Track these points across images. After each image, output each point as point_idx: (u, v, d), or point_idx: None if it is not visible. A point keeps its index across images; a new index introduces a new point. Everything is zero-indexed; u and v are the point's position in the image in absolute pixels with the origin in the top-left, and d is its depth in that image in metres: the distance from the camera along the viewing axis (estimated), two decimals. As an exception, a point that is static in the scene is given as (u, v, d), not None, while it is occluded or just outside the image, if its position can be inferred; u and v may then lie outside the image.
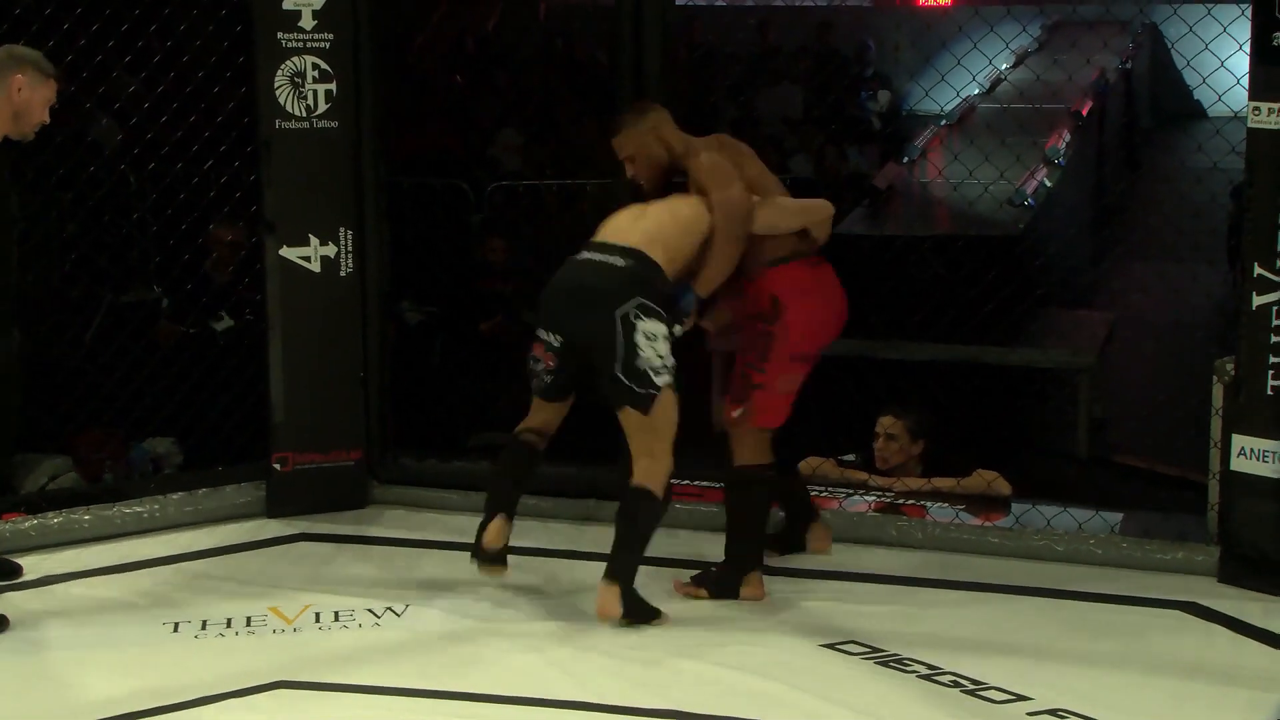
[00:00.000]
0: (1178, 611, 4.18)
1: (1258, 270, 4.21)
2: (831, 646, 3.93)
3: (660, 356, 4.03)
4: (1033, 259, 6.96)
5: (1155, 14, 10.52)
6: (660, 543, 4.22)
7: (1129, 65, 10.74)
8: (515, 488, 4.27)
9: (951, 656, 3.83)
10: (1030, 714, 3.54)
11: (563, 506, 4.97)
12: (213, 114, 5.34)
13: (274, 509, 4.96)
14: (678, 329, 4.13)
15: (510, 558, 4.57)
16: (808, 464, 5.15)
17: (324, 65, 4.90)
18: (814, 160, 9.19)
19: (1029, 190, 7.54)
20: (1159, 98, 11.60)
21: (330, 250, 4.96)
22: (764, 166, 4.39)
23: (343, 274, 4.98)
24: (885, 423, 5.30)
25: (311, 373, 4.96)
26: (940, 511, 4.89)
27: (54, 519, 4.73)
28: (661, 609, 4.08)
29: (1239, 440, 4.27)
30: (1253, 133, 4.23)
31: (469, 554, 4.25)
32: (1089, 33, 10.07)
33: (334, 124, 4.93)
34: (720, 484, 4.55)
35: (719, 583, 4.27)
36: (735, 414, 4.24)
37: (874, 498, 5.06)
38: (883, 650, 3.89)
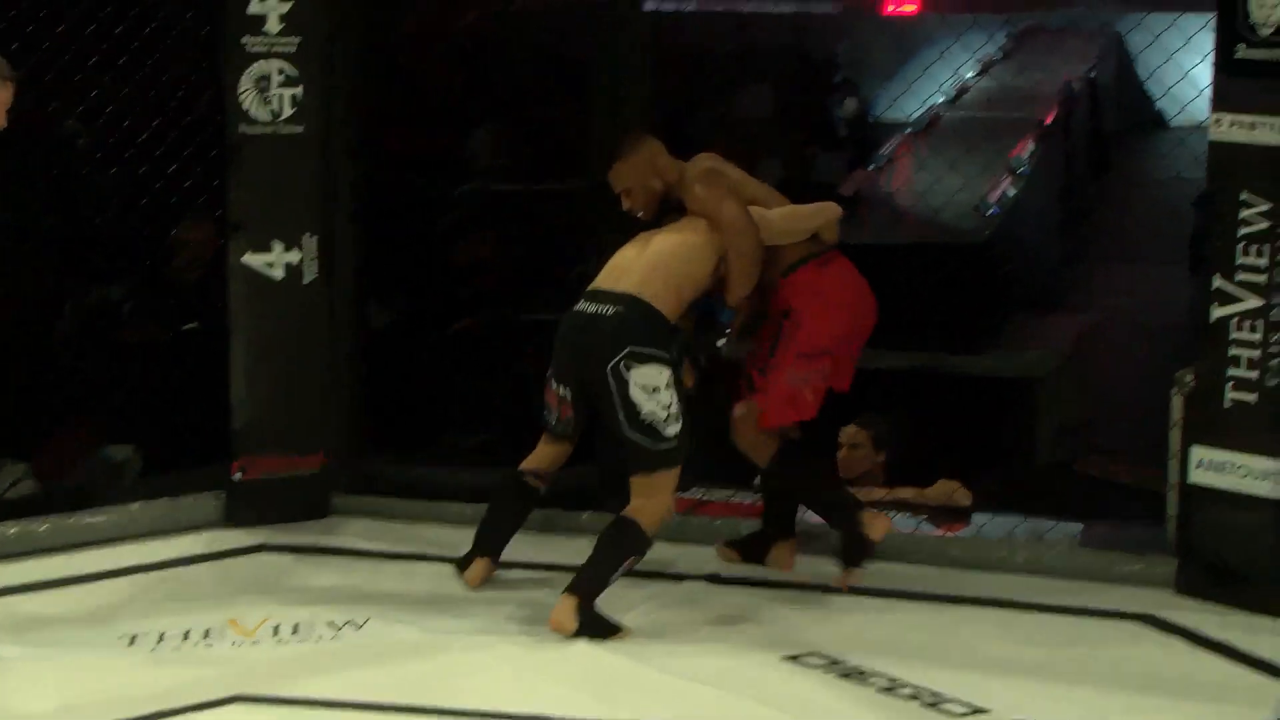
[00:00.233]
0: (1136, 623, 4.19)
1: (1218, 282, 4.23)
2: (793, 658, 3.93)
3: (665, 406, 4.03)
4: (998, 266, 7.00)
5: (1120, 24, 10.58)
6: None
7: (1094, 74, 10.79)
8: (508, 530, 4.32)
9: (912, 668, 3.84)
10: (989, 727, 3.56)
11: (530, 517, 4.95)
12: (179, 118, 5.31)
13: (234, 518, 4.92)
14: (721, 341, 4.21)
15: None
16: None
17: (290, 69, 4.87)
18: (783, 165, 9.20)
19: (994, 198, 7.57)
20: (1124, 107, 11.66)
21: (294, 257, 4.93)
22: (758, 181, 4.44)
23: (306, 280, 4.95)
24: (849, 432, 5.31)
25: (273, 380, 4.93)
26: (902, 522, 4.90)
27: (11, 528, 4.69)
28: (623, 622, 4.07)
29: (1198, 452, 4.30)
30: (1214, 145, 4.25)
31: (438, 564, 4.25)
32: (1054, 42, 10.14)
33: (299, 129, 4.90)
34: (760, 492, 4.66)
35: (850, 549, 4.35)
36: (743, 413, 4.31)
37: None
38: (843, 662, 3.89)
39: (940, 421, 4.73)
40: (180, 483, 5.02)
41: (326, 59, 4.91)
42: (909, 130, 8.99)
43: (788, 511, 4.64)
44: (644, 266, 4.17)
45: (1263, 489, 4.18)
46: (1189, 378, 4.39)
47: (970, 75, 9.73)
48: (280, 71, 4.86)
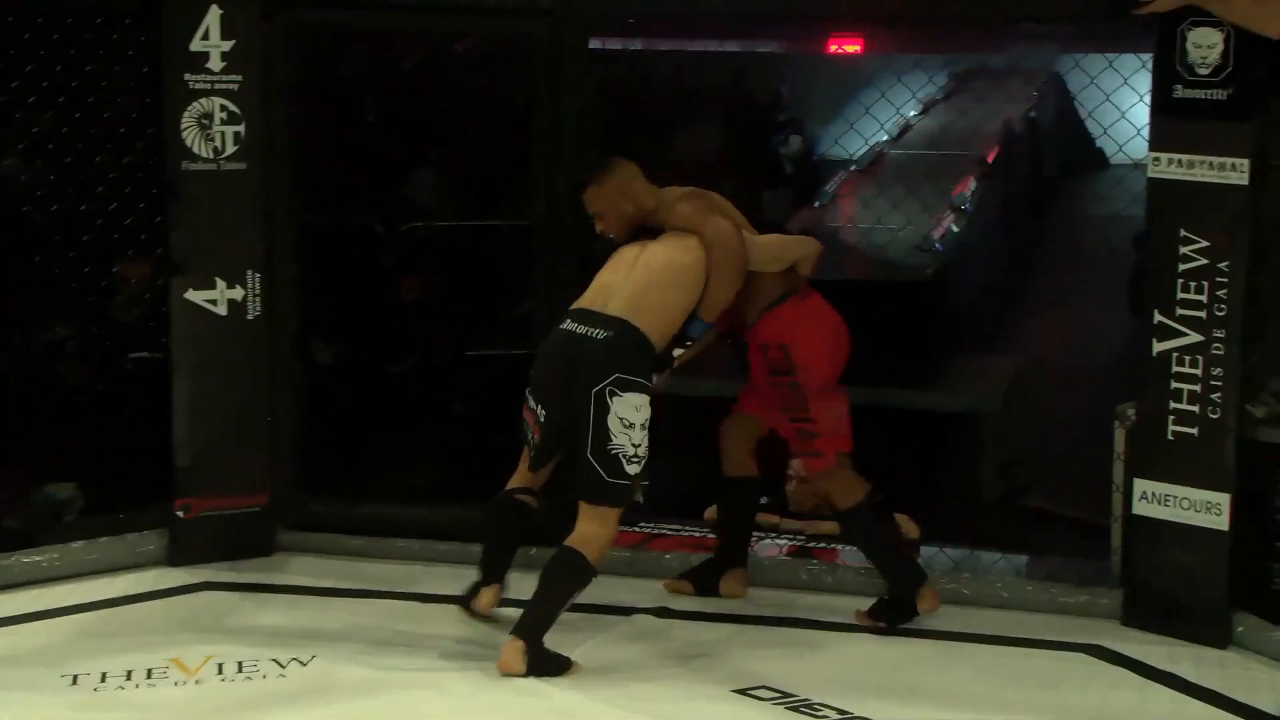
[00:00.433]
0: (1084, 655, 4.22)
1: (1158, 317, 4.29)
2: (743, 692, 3.93)
3: (634, 445, 4.01)
4: (942, 303, 7.06)
5: (1060, 65, 10.74)
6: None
7: (1034, 114, 10.94)
8: (510, 551, 4.29)
9: (861, 701, 3.85)
10: (938, 759, 3.57)
11: (470, 552, 4.91)
12: (121, 155, 5.27)
13: (177, 557, 4.87)
14: (678, 351, 4.18)
15: (414, 605, 4.56)
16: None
17: (232, 107, 4.85)
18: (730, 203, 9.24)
19: (938, 235, 7.64)
20: (1063, 147, 11.82)
21: (237, 293, 4.90)
22: (738, 211, 4.45)
23: (250, 317, 4.92)
24: (798, 465, 5.32)
25: (217, 417, 4.90)
26: (851, 554, 4.91)
27: (-50, 569, 4.62)
28: (572, 657, 4.05)
29: (1141, 484, 4.34)
30: (1152, 182, 4.32)
31: (384, 601, 4.18)
32: (995, 83, 10.27)
33: (242, 166, 4.88)
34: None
35: (893, 610, 4.36)
36: (820, 468, 4.36)
37: (786, 541, 5.07)
38: (794, 695, 3.89)
39: (887, 456, 4.75)
40: (123, 521, 4.96)
41: (268, 97, 4.90)
42: (853, 168, 9.07)
43: (740, 540, 4.65)
44: (633, 289, 4.14)
45: (1205, 521, 4.22)
46: (1131, 412, 4.44)
47: (913, 114, 9.85)
48: (223, 109, 4.84)
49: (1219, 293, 4.19)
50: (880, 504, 4.38)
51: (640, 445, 4.02)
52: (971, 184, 8.50)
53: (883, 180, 8.19)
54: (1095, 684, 4.05)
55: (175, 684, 3.96)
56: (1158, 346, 4.29)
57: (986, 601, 4.55)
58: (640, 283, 4.15)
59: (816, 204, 8.85)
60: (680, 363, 4.25)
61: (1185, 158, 4.24)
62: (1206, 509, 4.23)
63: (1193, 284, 4.23)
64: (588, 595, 4.58)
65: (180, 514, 4.87)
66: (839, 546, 4.98)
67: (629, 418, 4.00)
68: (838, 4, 5.06)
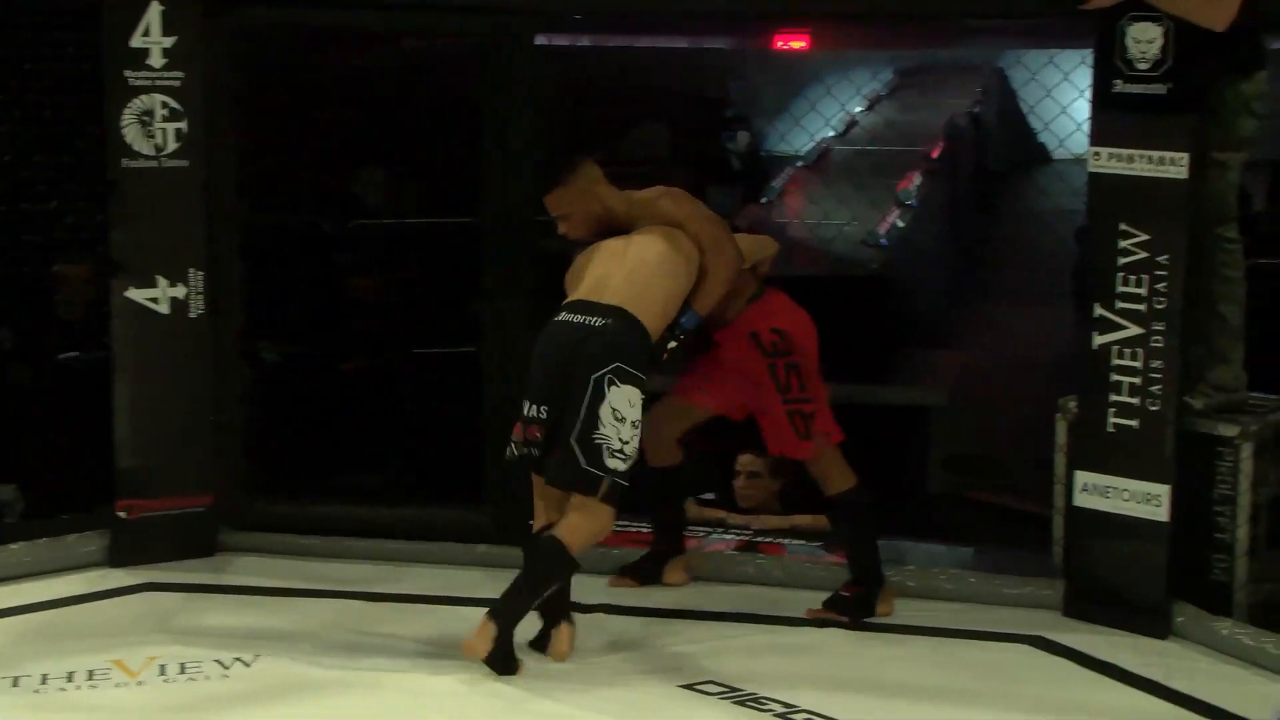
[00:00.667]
0: (1025, 645, 4.25)
1: (1099, 311, 4.33)
2: (689, 686, 3.93)
3: (621, 440, 3.94)
4: (889, 297, 7.09)
5: (1002, 60, 10.81)
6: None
7: (978, 110, 11.01)
8: (567, 589, 4.13)
9: (807, 694, 3.86)
10: (882, 751, 3.59)
11: (422, 550, 4.91)
12: (60, 153, 5.22)
13: (119, 558, 4.82)
14: (672, 344, 4.15)
15: (361, 605, 4.54)
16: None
17: (174, 103, 4.82)
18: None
19: (884, 230, 7.69)
20: (1007, 142, 11.91)
21: (179, 291, 4.86)
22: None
23: (192, 315, 4.89)
24: (745, 461, 5.33)
25: (160, 417, 4.85)
26: (800, 548, 4.93)
27: (-112, 572, 4.56)
28: (520, 661, 4.03)
29: (1082, 476, 4.38)
30: (1093, 177, 4.35)
31: (329, 600, 4.14)
32: (939, 79, 10.33)
33: (184, 163, 4.84)
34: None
35: (857, 605, 4.35)
36: (810, 450, 4.33)
37: (733, 536, 5.09)
38: (740, 689, 3.91)
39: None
40: (64, 523, 4.91)
41: (211, 94, 4.86)
42: (800, 164, 9.11)
43: (678, 528, 4.68)
44: (628, 280, 4.09)
45: (1145, 512, 4.27)
46: (1072, 404, 4.47)
47: (858, 110, 9.89)
48: (164, 106, 4.81)
49: (1159, 286, 4.23)
50: (865, 496, 4.39)
51: (628, 443, 3.95)
52: (917, 180, 8.56)
53: (829, 176, 8.22)
54: (1036, 674, 4.08)
55: (117, 685, 3.92)
56: (1098, 339, 4.33)
57: (931, 593, 4.58)
58: (636, 273, 4.11)
59: (764, 200, 8.89)
60: (669, 358, 4.22)
61: (1125, 152, 4.27)
62: (1146, 500, 4.27)
63: (1133, 277, 4.27)
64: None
65: (122, 515, 4.82)
66: (785, 541, 5.01)
67: (621, 410, 3.95)
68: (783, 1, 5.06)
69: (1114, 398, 4.31)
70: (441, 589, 4.64)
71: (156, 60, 4.79)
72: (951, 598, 4.56)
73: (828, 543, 4.95)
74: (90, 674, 3.98)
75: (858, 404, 6.38)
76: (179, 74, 4.81)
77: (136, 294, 4.82)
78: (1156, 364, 4.25)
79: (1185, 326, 4.25)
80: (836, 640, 4.28)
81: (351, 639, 4.25)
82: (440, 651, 4.16)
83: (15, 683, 3.93)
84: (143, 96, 4.79)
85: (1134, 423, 4.28)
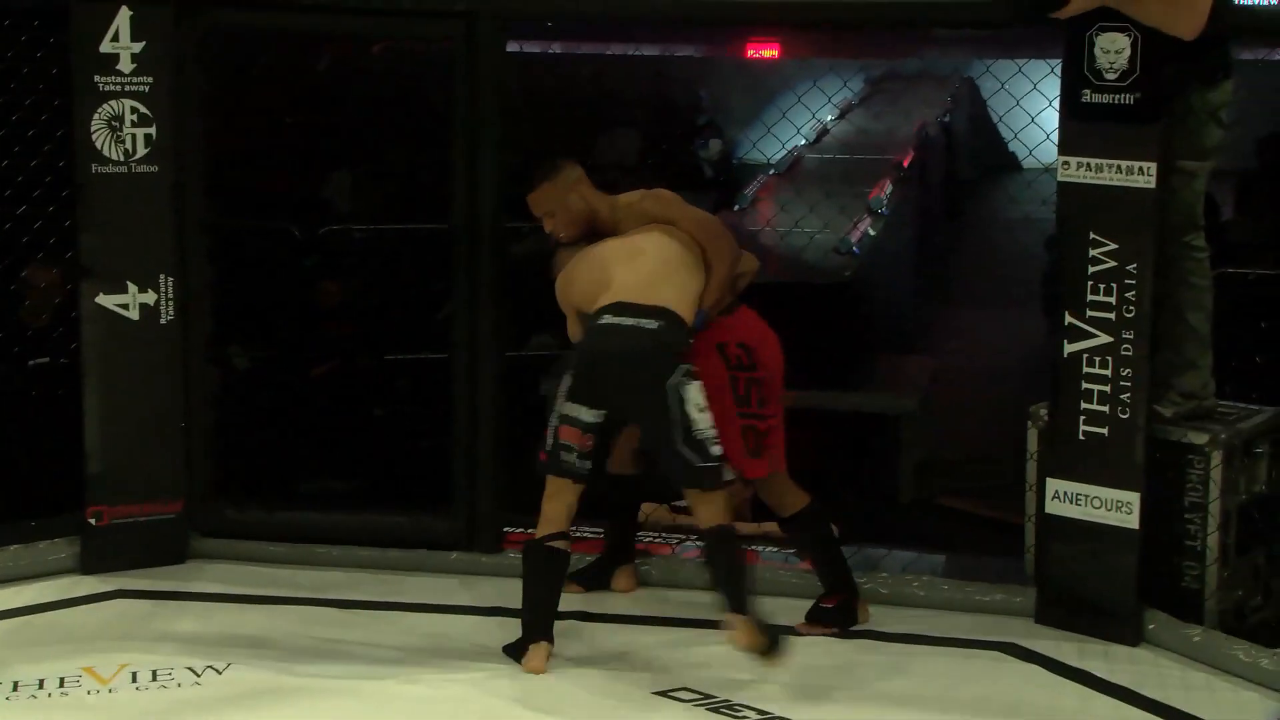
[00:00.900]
0: (997, 652, 4.27)
1: (1069, 319, 4.35)
2: (663, 693, 3.94)
3: (710, 426, 4.03)
4: (860, 305, 7.11)
5: (972, 69, 10.87)
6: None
7: (948, 119, 11.07)
8: (555, 605, 4.16)
9: (780, 701, 3.88)
10: (856, 757, 3.60)
11: (393, 558, 4.90)
12: (28, 158, 5.19)
13: (89, 565, 4.80)
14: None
15: (332, 612, 4.52)
16: (640, 510, 5.18)
17: (143, 109, 4.80)
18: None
19: (854, 239, 7.71)
20: (977, 151, 11.97)
21: (149, 297, 4.84)
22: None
23: (163, 321, 4.86)
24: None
25: (129, 423, 4.83)
26: (770, 555, 4.94)
27: None
28: (490, 662, 4.04)
29: (1053, 484, 4.40)
30: (1063, 186, 4.38)
31: (299, 607, 4.10)
32: (909, 87, 10.38)
33: (154, 168, 4.82)
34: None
35: (841, 614, 4.35)
36: (761, 469, 4.29)
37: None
38: (714, 696, 3.91)
39: (806, 456, 4.78)
40: (34, 529, 4.88)
41: (180, 99, 4.84)
42: (771, 171, 9.13)
43: (629, 536, 4.69)
44: (665, 278, 4.11)
45: (1116, 519, 4.29)
46: (1043, 412, 4.50)
47: (830, 119, 9.92)
48: (133, 111, 4.79)
49: (1128, 294, 4.25)
50: (821, 510, 4.39)
51: (712, 425, 4.04)
52: (888, 188, 8.59)
53: (800, 184, 8.24)
54: (1007, 681, 4.10)
55: (89, 693, 3.91)
56: (1069, 348, 4.35)
57: (903, 600, 4.59)
58: (667, 271, 4.13)
59: (736, 207, 8.90)
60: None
61: (1094, 161, 4.30)
62: (1117, 508, 4.29)
63: (1102, 286, 4.30)
64: (505, 599, 4.60)
65: (92, 521, 4.80)
66: (758, 548, 5.01)
67: (701, 402, 4.02)
68: (754, 8, 5.07)
69: (1085, 405, 4.33)
70: (413, 596, 4.64)
71: (126, 65, 4.77)
72: (923, 604, 4.57)
73: (800, 550, 4.95)
74: (61, 681, 3.96)
75: (828, 411, 6.42)
76: (148, 79, 4.80)
77: (106, 300, 4.80)
78: (1126, 372, 4.27)
79: (1154, 335, 4.28)
80: (809, 647, 4.29)
81: (323, 646, 4.24)
82: (412, 658, 4.16)
83: (-15, 690, 3.91)
84: (112, 102, 4.77)
85: (1104, 430, 4.30)
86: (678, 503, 5.36)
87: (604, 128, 10.66)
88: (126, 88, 4.77)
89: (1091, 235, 4.30)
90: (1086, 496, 4.34)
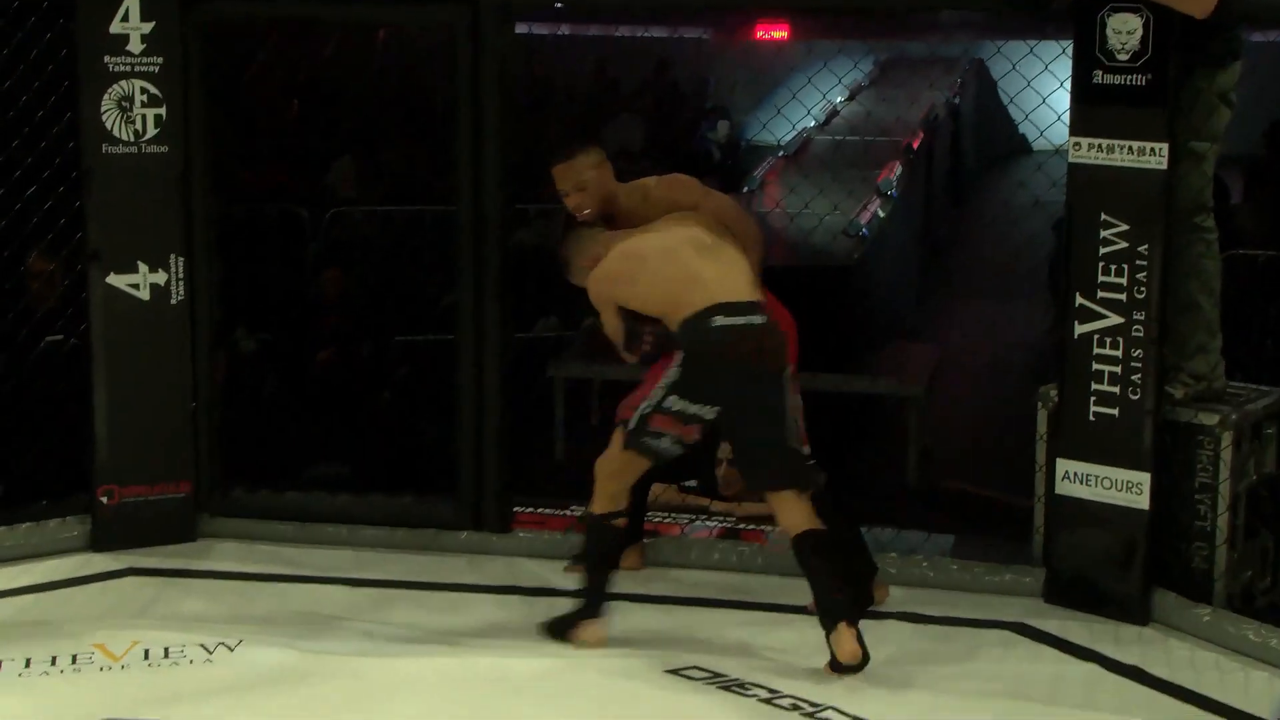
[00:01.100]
0: (1006, 632, 4.28)
1: (1079, 300, 4.35)
2: (675, 672, 3.94)
3: (798, 424, 4.03)
4: (867, 288, 7.11)
5: (981, 50, 10.84)
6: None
7: (957, 100, 11.04)
8: (610, 579, 4.16)
9: (791, 680, 3.88)
10: (866, 735, 3.61)
11: (398, 537, 4.91)
12: (37, 139, 5.19)
13: (100, 543, 4.81)
14: None
15: (341, 590, 4.54)
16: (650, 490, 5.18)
17: (153, 89, 4.80)
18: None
19: (863, 221, 7.71)
20: (985, 132, 11.94)
21: (160, 278, 4.85)
22: None
23: (173, 302, 4.87)
24: (727, 448, 5.34)
25: (139, 403, 4.84)
26: (780, 536, 4.94)
27: None
28: (504, 638, 4.03)
29: (1063, 464, 4.40)
30: (1073, 167, 4.37)
31: (309, 586, 4.10)
32: (919, 69, 10.35)
33: (164, 149, 4.83)
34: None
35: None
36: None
37: (715, 523, 5.10)
38: (724, 675, 3.92)
39: (815, 438, 4.79)
40: (45, 508, 4.89)
41: (189, 80, 4.84)
42: (780, 154, 9.11)
43: (639, 517, 4.68)
44: (740, 270, 4.08)
45: (1126, 500, 4.29)
46: (1053, 394, 4.50)
47: (839, 100, 9.90)
48: (143, 91, 4.79)
49: (1139, 276, 4.25)
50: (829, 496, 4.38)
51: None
52: (897, 170, 8.58)
53: (809, 166, 8.23)
54: (1015, 660, 4.10)
55: (101, 669, 3.91)
56: (1079, 329, 4.35)
57: (912, 580, 4.60)
58: (740, 261, 4.12)
59: (744, 190, 8.90)
60: None
61: (1105, 142, 4.29)
62: (1127, 488, 4.29)
63: (1113, 267, 4.30)
64: (514, 578, 4.61)
65: (103, 500, 4.81)
66: (767, 528, 5.02)
67: (798, 402, 4.04)
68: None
69: (1095, 387, 4.33)
70: (421, 575, 4.65)
71: (135, 46, 4.77)
72: (932, 585, 4.58)
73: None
74: (74, 658, 3.97)
75: (835, 394, 6.43)
76: (158, 59, 4.80)
77: (117, 279, 4.80)
78: (1137, 353, 4.27)
79: (1165, 316, 4.28)
80: (818, 627, 4.29)
81: (333, 625, 4.25)
82: (421, 637, 4.17)
83: (-2, 667, 3.92)
84: (122, 82, 4.77)
85: (1114, 411, 4.30)
86: (686, 483, 5.38)
87: (610, 110, 10.66)
88: (136, 68, 4.77)
89: (1103, 216, 4.30)
90: (1096, 477, 4.34)
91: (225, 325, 5.24)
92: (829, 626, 3.92)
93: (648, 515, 4.88)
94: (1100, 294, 4.31)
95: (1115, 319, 4.30)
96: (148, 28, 4.77)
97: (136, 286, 4.82)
